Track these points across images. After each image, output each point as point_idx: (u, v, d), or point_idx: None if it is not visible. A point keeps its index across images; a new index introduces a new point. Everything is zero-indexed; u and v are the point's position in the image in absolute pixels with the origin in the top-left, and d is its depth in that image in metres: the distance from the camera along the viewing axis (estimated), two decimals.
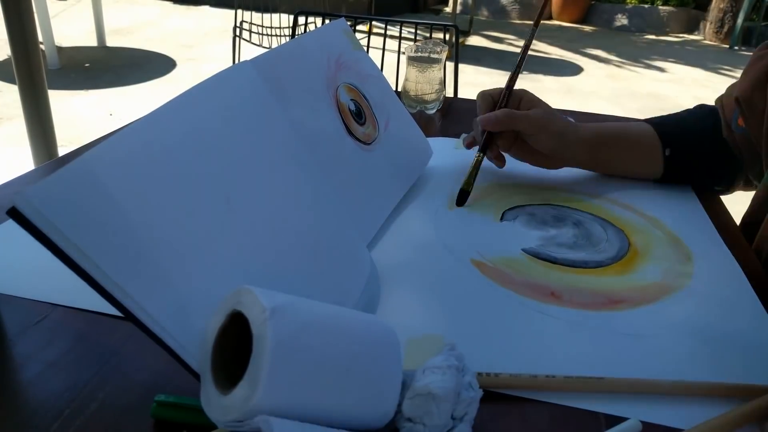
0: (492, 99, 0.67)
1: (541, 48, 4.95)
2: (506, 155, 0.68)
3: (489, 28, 5.62)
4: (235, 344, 0.32)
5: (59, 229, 0.29)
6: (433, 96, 0.89)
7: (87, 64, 3.83)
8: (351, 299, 0.44)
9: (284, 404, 0.29)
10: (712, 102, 0.73)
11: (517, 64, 0.69)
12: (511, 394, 0.39)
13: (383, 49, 1.44)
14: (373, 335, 0.34)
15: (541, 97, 0.67)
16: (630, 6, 5.91)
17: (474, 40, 5.12)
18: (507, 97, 0.66)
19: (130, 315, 0.31)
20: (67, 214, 0.29)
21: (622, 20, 5.95)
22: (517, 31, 5.55)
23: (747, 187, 0.72)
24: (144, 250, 0.32)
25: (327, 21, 1.42)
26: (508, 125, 0.64)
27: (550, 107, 0.67)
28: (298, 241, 0.43)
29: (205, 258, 0.35)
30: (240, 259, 0.37)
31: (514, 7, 6.14)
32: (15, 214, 0.28)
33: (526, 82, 3.77)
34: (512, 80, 0.67)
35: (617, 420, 0.36)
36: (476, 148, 0.67)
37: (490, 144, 0.66)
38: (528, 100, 0.67)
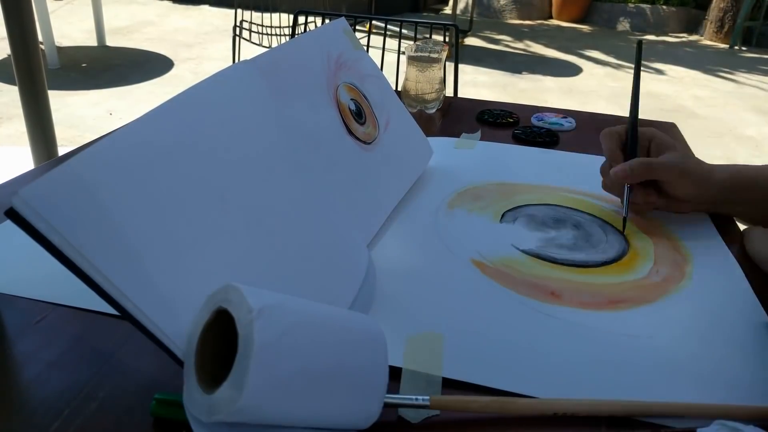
0: (619, 138, 0.62)
1: (540, 48, 4.95)
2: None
3: (488, 29, 5.62)
4: (220, 340, 0.32)
5: (57, 229, 0.28)
6: (433, 95, 0.89)
7: (86, 64, 3.83)
8: (344, 299, 0.44)
9: (269, 405, 0.29)
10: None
11: (633, 92, 0.63)
12: (511, 392, 0.39)
13: (383, 49, 1.44)
14: (361, 336, 0.34)
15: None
16: (630, 6, 5.90)
17: (473, 40, 5.12)
18: (635, 139, 0.62)
19: (128, 315, 0.31)
20: (63, 214, 0.29)
21: (622, 20, 5.94)
22: (515, 32, 5.55)
23: None
24: (139, 249, 0.32)
25: (327, 20, 1.42)
26: (644, 176, 0.59)
27: (683, 147, 0.60)
28: (293, 240, 0.43)
29: (199, 257, 0.35)
30: (235, 258, 0.37)
31: (513, 7, 6.14)
32: (12, 214, 0.28)
33: (526, 81, 3.77)
34: (635, 115, 0.62)
35: (617, 420, 0.37)
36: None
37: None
38: (658, 143, 0.62)
